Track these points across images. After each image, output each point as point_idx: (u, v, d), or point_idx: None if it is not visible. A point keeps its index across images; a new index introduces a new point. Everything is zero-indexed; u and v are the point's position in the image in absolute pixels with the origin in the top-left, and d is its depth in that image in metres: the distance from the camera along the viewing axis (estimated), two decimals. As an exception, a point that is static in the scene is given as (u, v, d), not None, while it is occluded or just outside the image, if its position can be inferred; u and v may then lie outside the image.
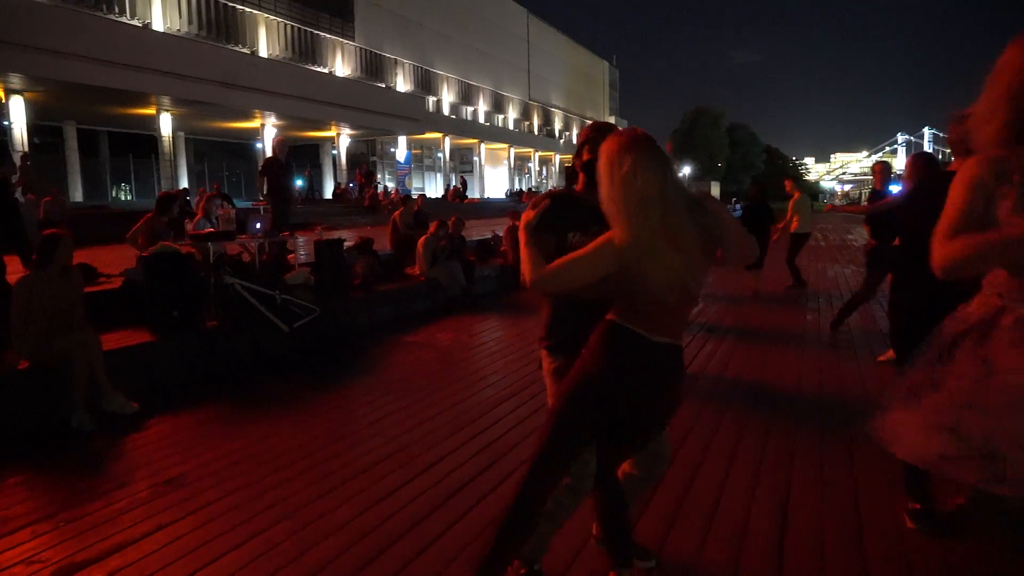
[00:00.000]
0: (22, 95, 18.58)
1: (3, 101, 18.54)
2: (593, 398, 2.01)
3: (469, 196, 33.02)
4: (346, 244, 8.00)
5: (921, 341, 1.93)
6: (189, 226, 7.04)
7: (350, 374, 5.73)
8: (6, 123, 19.09)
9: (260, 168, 9.07)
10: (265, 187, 8.77)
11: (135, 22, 23.25)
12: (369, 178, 27.20)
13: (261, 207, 9.50)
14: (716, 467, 3.66)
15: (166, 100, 21.54)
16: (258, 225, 6.89)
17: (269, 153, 26.43)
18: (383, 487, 3.43)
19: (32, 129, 20.69)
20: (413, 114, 32.35)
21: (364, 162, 30.80)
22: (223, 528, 3.01)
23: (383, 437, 4.18)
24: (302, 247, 9.14)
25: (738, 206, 50.39)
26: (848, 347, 6.41)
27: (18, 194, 9.07)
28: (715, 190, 61.24)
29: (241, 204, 16.75)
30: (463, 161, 42.51)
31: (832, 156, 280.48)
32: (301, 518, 3.10)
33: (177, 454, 3.93)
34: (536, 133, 50.62)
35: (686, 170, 60.72)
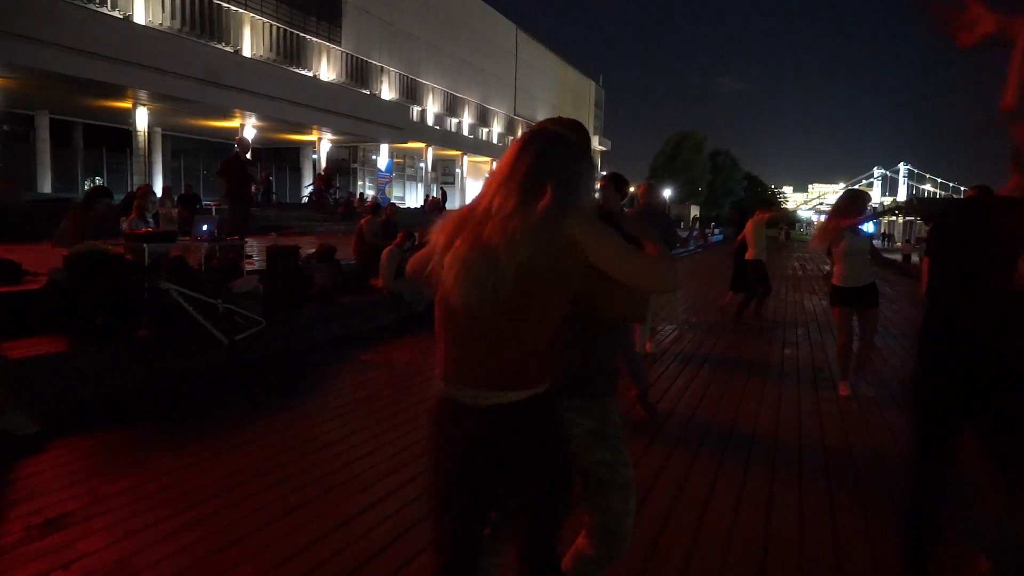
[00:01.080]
0: (-7, 81, 17.95)
1: (-29, 86, 17.90)
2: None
3: (448, 208, 32.63)
4: (307, 252, 7.53)
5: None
6: (124, 225, 6.52)
7: (292, 395, 5.25)
8: (-26, 108, 18.45)
9: (219, 167, 8.58)
10: (224, 188, 8.27)
11: (116, 13, 22.68)
12: (328, 183, 26.66)
13: (214, 208, 8.99)
14: (687, 517, 3.26)
15: (144, 94, 20.99)
16: (204, 227, 6.40)
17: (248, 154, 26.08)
18: (307, 533, 2.98)
19: (2, 116, 20.03)
20: (397, 122, 31.98)
21: (329, 166, 30.17)
22: (95, 588, 2.54)
23: (317, 472, 3.71)
24: (251, 252, 8.61)
25: (717, 231, 50.52)
26: (829, 384, 6.05)
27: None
28: (695, 213, 61.42)
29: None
30: (445, 172, 42.21)
31: (810, 186, 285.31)
32: (201, 572, 2.64)
33: (69, 487, 3.42)
34: (521, 148, 50.36)
35: (667, 193, 60.85)
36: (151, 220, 6.95)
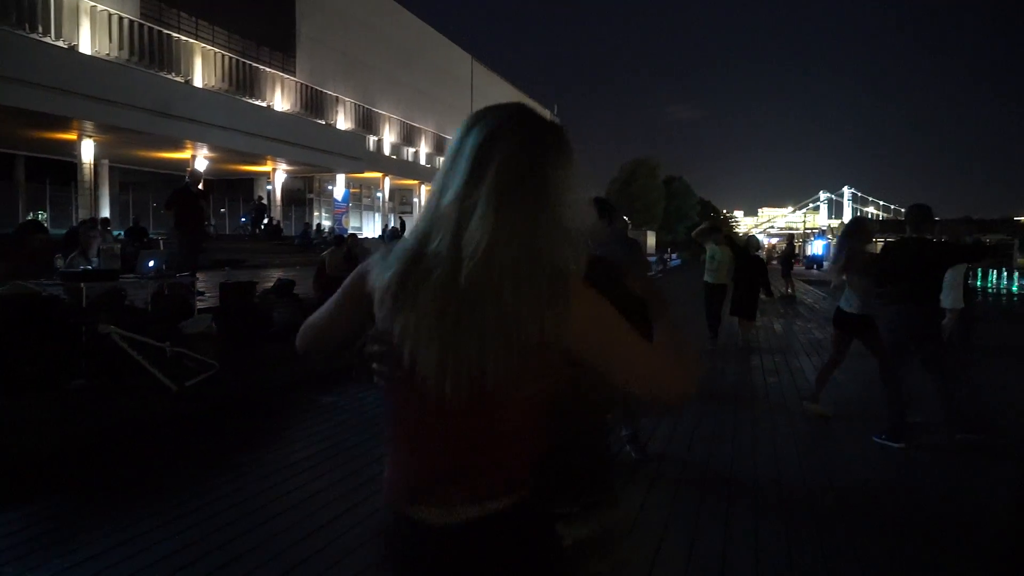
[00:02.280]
0: (-76, 112, 17.05)
1: (-100, 118, 16.96)
2: None
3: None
4: (264, 287, 7.04)
5: None
6: (59, 263, 5.97)
7: (249, 449, 4.74)
8: (-97, 141, 17.47)
9: (167, 199, 8.05)
10: (173, 220, 7.75)
11: (60, 43, 21.94)
12: (260, 212, 26.10)
13: (161, 241, 8.45)
14: (672, 566, 2.90)
15: (89, 126, 20.26)
16: (151, 263, 5.89)
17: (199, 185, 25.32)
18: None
19: (-65, 149, 19.04)
20: (353, 152, 31.59)
21: (259, 195, 29.49)
22: None
23: (277, 545, 3.25)
24: (203, 289, 8.07)
25: (675, 256, 51.11)
26: (819, 421, 5.79)
27: None
28: (651, 239, 62.00)
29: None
30: (403, 202, 41.88)
31: (760, 210, 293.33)
32: None
33: (-16, 574, 2.91)
34: (480, 177, 50.42)
35: (624, 218, 61.48)
36: (95, 258, 6.40)
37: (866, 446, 4.97)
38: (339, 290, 1.30)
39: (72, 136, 21.10)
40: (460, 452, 1.09)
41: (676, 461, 4.64)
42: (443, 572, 1.11)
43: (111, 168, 26.84)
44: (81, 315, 4.93)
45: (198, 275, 7.42)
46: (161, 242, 8.15)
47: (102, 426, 4.76)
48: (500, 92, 55.30)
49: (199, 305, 6.95)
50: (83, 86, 18.59)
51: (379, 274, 1.14)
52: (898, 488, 4.21)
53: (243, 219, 26.55)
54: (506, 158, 1.06)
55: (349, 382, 6.75)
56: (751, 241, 10.64)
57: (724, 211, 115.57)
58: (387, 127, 39.88)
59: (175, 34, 26.34)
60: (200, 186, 8.12)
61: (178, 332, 5.54)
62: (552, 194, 1.07)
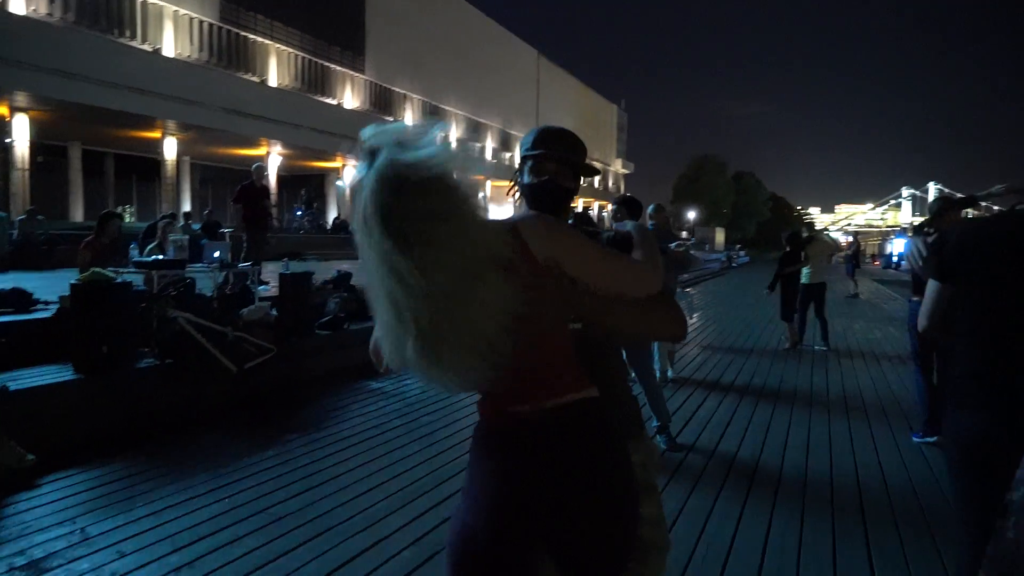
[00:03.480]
0: (27, 113, 18.37)
1: (8, 119, 18.33)
2: None
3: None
4: (324, 278, 7.44)
5: None
6: (136, 252, 6.49)
7: (297, 427, 5.09)
8: (8, 140, 18.87)
9: (234, 195, 8.57)
10: (240, 214, 8.25)
11: (145, 47, 23.21)
12: (310, 206, 26.19)
13: (227, 234, 8.97)
14: (711, 565, 3.01)
15: (172, 124, 21.40)
16: (216, 254, 6.34)
17: (274, 180, 26.34)
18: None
19: (36, 148, 20.47)
20: (420, 148, 32.16)
21: (304, 190, 29.48)
22: (66, 640, 2.38)
23: (319, 510, 3.54)
24: (267, 279, 8.53)
25: (742, 253, 49.99)
26: (861, 415, 5.75)
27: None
28: (719, 236, 60.82)
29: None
30: (469, 198, 42.35)
31: (837, 207, 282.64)
32: (175, 625, 2.48)
33: (58, 525, 3.30)
34: (544, 173, 50.49)
35: (690, 215, 60.38)
36: (171, 249, 6.91)
37: (905, 445, 4.93)
38: None
39: (156, 135, 22.32)
40: (532, 370, 1.39)
41: (704, 453, 4.72)
42: (537, 447, 1.37)
43: (192, 164, 28.19)
44: (151, 300, 5.38)
45: (261, 265, 7.90)
46: (227, 234, 8.64)
47: (167, 401, 5.20)
48: (566, 87, 55.22)
49: (262, 293, 7.40)
50: (166, 87, 19.66)
51: None
52: (931, 485, 4.19)
53: (297, 212, 27.41)
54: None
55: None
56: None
57: (799, 207, 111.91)
58: (454, 123, 40.44)
59: (251, 36, 27.43)
60: (263, 182, 8.58)
61: (239, 318, 5.94)
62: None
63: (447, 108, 39.51)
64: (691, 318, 12.66)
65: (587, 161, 1.78)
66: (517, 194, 1.83)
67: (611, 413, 1.48)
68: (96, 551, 3.04)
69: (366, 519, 3.45)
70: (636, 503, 1.46)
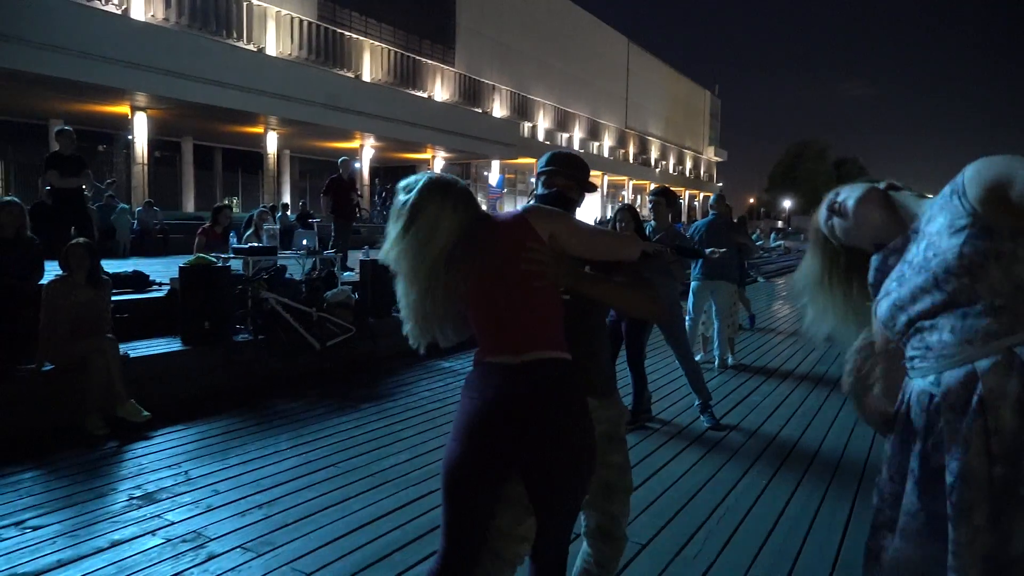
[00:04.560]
0: (145, 112, 20.00)
1: (129, 117, 20.06)
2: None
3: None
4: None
5: None
6: (234, 240, 7.26)
7: (370, 398, 5.65)
8: (130, 137, 20.68)
9: (324, 187, 9.31)
10: (329, 206, 8.95)
11: (251, 47, 24.76)
12: (387, 197, 26.77)
13: (315, 223, 9.70)
14: (724, 526, 3.29)
15: (273, 120, 22.67)
16: (304, 242, 7.01)
17: (367, 172, 27.53)
18: (357, 519, 3.30)
19: (153, 144, 22.30)
20: (507, 139, 32.70)
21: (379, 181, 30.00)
22: (169, 554, 2.95)
23: (378, 467, 4.04)
24: (352, 266, 9.19)
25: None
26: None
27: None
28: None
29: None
30: (556, 187, 42.51)
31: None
32: (257, 544, 3.00)
33: (167, 467, 3.94)
34: (631, 161, 50.11)
35: (786, 204, 58.41)
36: (264, 237, 7.66)
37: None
38: None
39: (259, 130, 23.77)
40: (518, 325, 1.77)
41: (745, 432, 4.93)
42: (514, 393, 1.73)
43: (292, 158, 29.81)
44: (247, 283, 6.08)
45: (347, 252, 8.58)
46: (315, 224, 9.37)
47: (259, 370, 5.90)
48: (657, 74, 54.45)
49: (346, 278, 8.05)
50: (268, 84, 20.87)
51: None
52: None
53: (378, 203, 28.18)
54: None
55: (463, 351, 7.56)
56: None
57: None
58: (541, 113, 40.74)
59: (347, 32, 28.68)
60: (349, 175, 9.26)
61: (323, 300, 6.57)
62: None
63: (534, 98, 39.85)
64: (770, 307, 12.57)
65: (590, 179, 2.27)
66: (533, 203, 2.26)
67: (578, 373, 1.81)
68: (196, 489, 3.65)
69: (422, 474, 3.92)
70: (591, 448, 1.79)
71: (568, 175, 2.18)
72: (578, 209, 2.30)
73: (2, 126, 22.45)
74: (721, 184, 68.66)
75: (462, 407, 1.80)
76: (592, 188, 2.30)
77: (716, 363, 7.10)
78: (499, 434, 1.72)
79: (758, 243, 20.77)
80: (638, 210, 4.73)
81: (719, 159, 68.75)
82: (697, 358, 7.15)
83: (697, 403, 5.13)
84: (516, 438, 1.71)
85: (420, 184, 1.77)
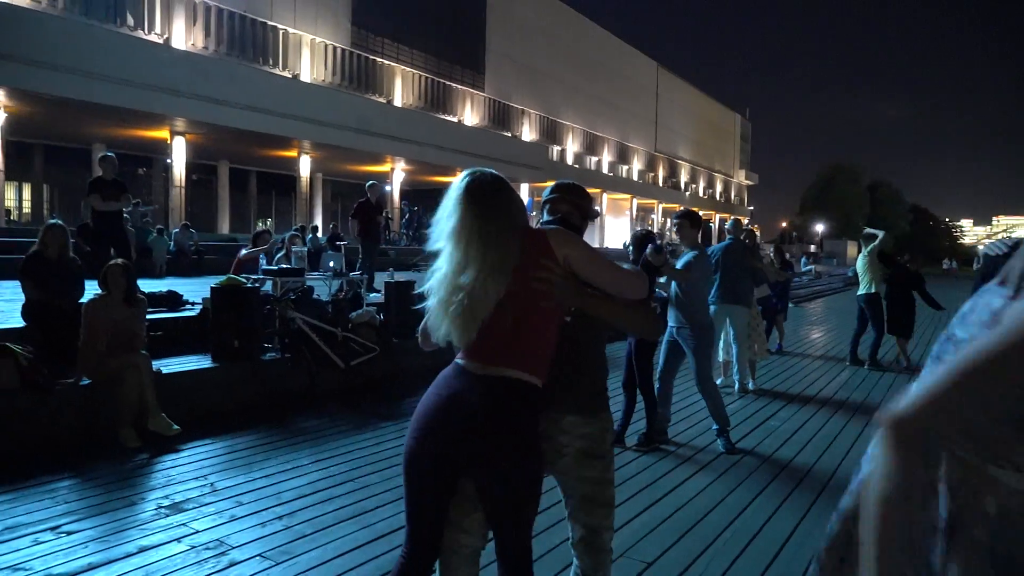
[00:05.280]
0: (184, 137, 20.67)
1: (168, 142, 20.74)
2: None
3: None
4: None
5: None
6: (263, 262, 7.51)
7: (391, 416, 5.78)
8: (169, 161, 21.36)
9: (352, 211, 9.59)
10: (357, 228, 9.20)
11: (286, 73, 25.46)
12: (412, 218, 26.46)
13: (342, 245, 9.95)
14: (732, 546, 3.35)
15: (307, 144, 23.20)
16: (331, 263, 7.22)
17: (397, 195, 27.95)
18: (370, 533, 3.41)
19: (190, 167, 23.00)
20: (536, 163, 32.99)
21: (406, 202, 29.27)
22: (193, 560, 3.10)
23: (394, 483, 4.16)
24: (378, 287, 9.40)
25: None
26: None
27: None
28: (851, 250, 57.71)
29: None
30: (584, 210, 42.63)
31: (995, 218, 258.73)
32: (275, 554, 3.14)
33: (194, 479, 4.11)
34: (660, 185, 50.11)
35: (819, 227, 57.77)
36: (293, 259, 7.91)
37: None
38: None
39: (293, 153, 24.35)
40: (501, 337, 1.84)
41: (760, 457, 4.96)
42: (467, 400, 1.82)
43: (324, 180, 30.42)
44: (275, 303, 6.29)
45: (373, 274, 8.79)
46: (342, 247, 9.62)
47: (285, 388, 6.08)
48: (686, 97, 54.57)
49: (371, 299, 8.25)
50: (302, 109, 21.42)
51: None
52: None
53: (404, 225, 28.32)
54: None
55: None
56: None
57: (946, 219, 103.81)
58: (570, 137, 41.05)
59: (379, 59, 29.33)
60: (376, 199, 9.51)
61: (349, 320, 6.76)
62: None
63: (563, 122, 40.19)
64: (798, 332, 12.49)
65: (594, 207, 2.42)
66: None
67: (537, 399, 1.90)
68: (221, 499, 3.80)
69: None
70: (531, 472, 1.88)
71: (571, 202, 2.33)
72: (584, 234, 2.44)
73: (49, 151, 23.39)
74: (752, 208, 68.21)
75: (423, 400, 1.93)
76: (595, 215, 2.44)
77: (736, 387, 7.11)
78: (445, 433, 1.84)
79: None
80: (661, 232, 4.85)
81: (750, 182, 68.39)
82: (717, 382, 7.19)
83: (715, 427, 5.17)
84: (459, 441, 1.83)
85: (493, 172, 1.94)
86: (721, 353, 7.37)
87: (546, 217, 2.35)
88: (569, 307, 1.97)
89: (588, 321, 2.11)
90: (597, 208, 2.62)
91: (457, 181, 1.95)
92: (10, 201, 24.26)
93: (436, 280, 1.89)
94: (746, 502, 4.03)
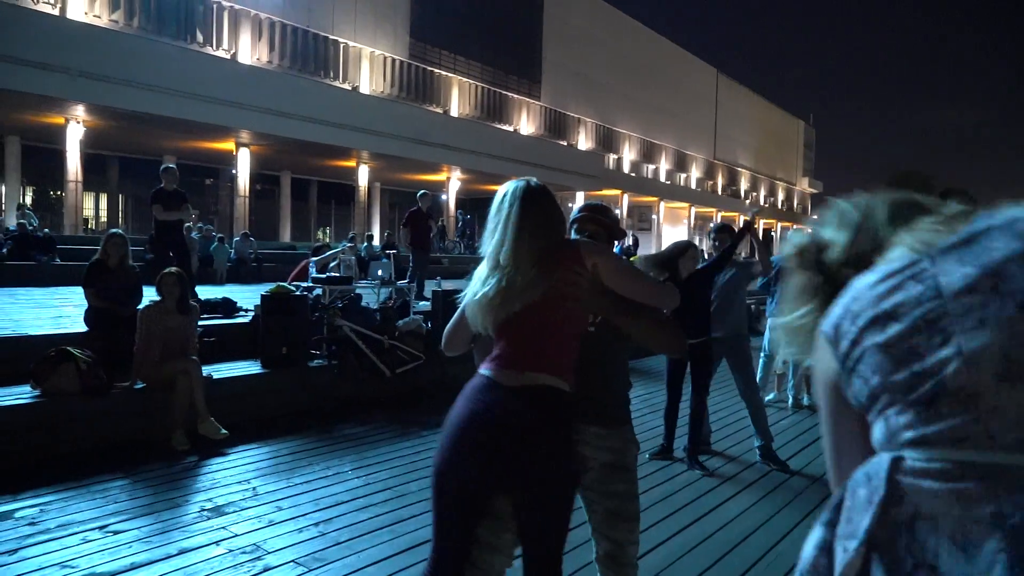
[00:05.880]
0: (248, 148, 21.37)
1: (233, 153, 21.48)
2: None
3: (639, 253, 32.64)
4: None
5: None
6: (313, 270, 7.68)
7: (434, 424, 5.69)
8: (234, 171, 22.11)
9: (404, 220, 9.72)
10: (408, 237, 9.32)
11: (345, 86, 26.06)
12: (465, 227, 26.44)
13: (391, 255, 10.09)
14: (747, 555, 3.23)
15: (365, 154, 23.68)
16: (379, 272, 7.33)
17: (452, 204, 28.26)
18: (405, 541, 3.43)
19: (254, 177, 23.74)
20: (591, 171, 32.83)
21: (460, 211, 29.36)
22: (229, 563, 3.16)
23: (426, 493, 4.15)
24: (428, 295, 9.49)
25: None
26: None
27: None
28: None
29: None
30: (641, 219, 42.24)
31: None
32: (309, 560, 3.18)
33: (237, 483, 4.21)
34: (720, 193, 49.19)
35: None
36: (341, 267, 8.07)
37: None
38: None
39: (352, 163, 24.89)
40: (531, 343, 1.85)
41: (810, 477, 4.78)
42: (502, 413, 1.80)
43: (382, 190, 30.97)
44: (323, 311, 6.42)
45: (423, 282, 8.88)
46: (392, 255, 9.73)
47: (331, 394, 6.18)
48: (747, 104, 53.48)
49: (420, 307, 8.33)
50: (361, 121, 21.87)
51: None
52: None
53: (457, 234, 28.43)
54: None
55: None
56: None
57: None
58: (627, 145, 40.72)
59: (436, 70, 29.74)
60: (427, 208, 9.63)
61: (396, 328, 6.83)
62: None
63: (620, 130, 39.91)
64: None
65: (619, 226, 2.41)
66: None
67: (570, 405, 1.88)
68: (261, 504, 3.88)
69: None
70: (566, 481, 1.86)
71: (598, 221, 2.34)
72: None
73: (122, 162, 24.49)
74: (816, 217, 66.09)
75: (452, 413, 1.89)
76: (621, 235, 2.44)
77: (790, 402, 6.90)
78: (481, 452, 1.81)
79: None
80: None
81: (814, 190, 66.46)
82: (770, 396, 6.98)
83: (757, 444, 5.01)
84: (495, 459, 1.80)
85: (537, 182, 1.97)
86: (781, 367, 7.17)
87: (573, 236, 2.35)
88: (594, 311, 1.94)
89: (612, 332, 2.08)
90: (624, 228, 2.61)
91: (506, 184, 1.98)
92: (88, 210, 25.47)
93: (477, 273, 1.93)
94: (791, 524, 3.88)
